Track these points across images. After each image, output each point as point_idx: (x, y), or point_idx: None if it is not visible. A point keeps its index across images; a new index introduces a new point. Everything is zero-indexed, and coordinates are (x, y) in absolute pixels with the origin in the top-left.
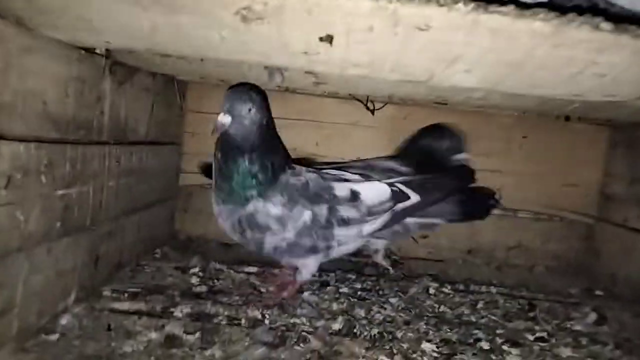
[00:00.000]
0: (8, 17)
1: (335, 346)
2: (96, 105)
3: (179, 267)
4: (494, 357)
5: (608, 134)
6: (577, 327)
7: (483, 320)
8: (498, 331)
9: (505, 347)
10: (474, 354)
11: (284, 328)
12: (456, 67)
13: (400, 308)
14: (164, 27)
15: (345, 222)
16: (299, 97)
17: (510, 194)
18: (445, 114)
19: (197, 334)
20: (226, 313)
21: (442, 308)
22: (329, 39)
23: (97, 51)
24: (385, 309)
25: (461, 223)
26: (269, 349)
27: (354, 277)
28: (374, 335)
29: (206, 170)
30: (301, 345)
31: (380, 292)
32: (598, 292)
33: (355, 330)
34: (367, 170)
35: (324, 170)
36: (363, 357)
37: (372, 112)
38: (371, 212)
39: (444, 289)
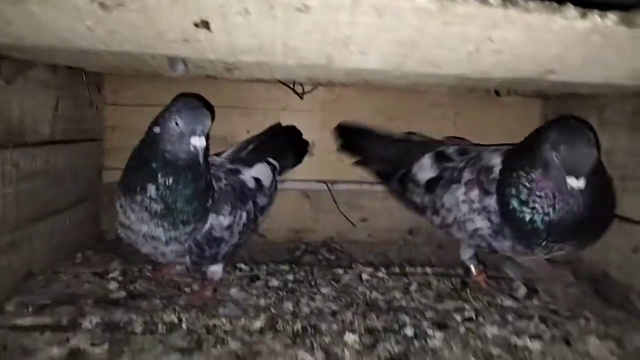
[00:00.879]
0: None
1: (255, 346)
2: None
3: (97, 273)
4: (416, 343)
5: (539, 106)
6: (507, 303)
7: (413, 304)
8: (427, 314)
9: (430, 332)
10: (396, 342)
11: (202, 331)
12: (351, 48)
13: (331, 298)
14: (17, 18)
15: (262, 209)
16: (226, 84)
17: None
18: (375, 94)
19: (105, 345)
20: (140, 319)
21: (374, 294)
22: (204, 24)
23: None
24: (314, 300)
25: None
26: (183, 355)
27: (287, 268)
28: (297, 330)
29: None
30: (219, 347)
31: (313, 283)
32: None
33: (277, 327)
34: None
35: (225, 166)
36: (282, 355)
37: (301, 96)
38: (270, 194)
39: (379, 274)
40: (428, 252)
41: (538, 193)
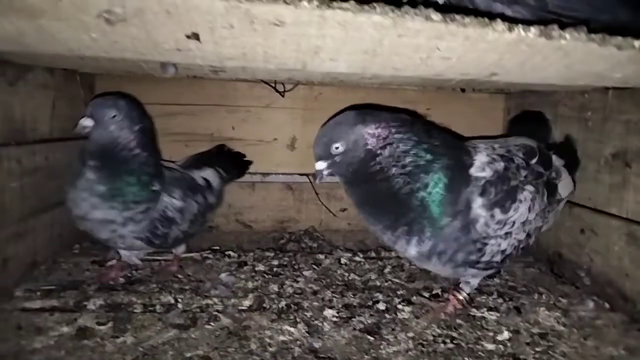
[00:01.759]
0: None
1: (245, 321)
2: None
3: (96, 261)
4: (387, 316)
5: (503, 101)
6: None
7: (387, 284)
8: (399, 292)
9: (399, 307)
10: (370, 315)
11: (196, 310)
12: (321, 56)
13: (312, 279)
14: (30, 31)
15: (212, 207)
16: (211, 83)
17: None
18: (352, 92)
19: (110, 324)
20: (140, 301)
21: (351, 276)
22: (195, 36)
23: None
24: (297, 282)
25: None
26: (180, 331)
27: (272, 254)
28: (282, 307)
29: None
30: (212, 324)
31: (296, 267)
32: None
33: (264, 305)
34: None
35: (177, 165)
36: (269, 328)
37: (282, 94)
38: (218, 196)
39: (356, 258)
40: None
41: None
